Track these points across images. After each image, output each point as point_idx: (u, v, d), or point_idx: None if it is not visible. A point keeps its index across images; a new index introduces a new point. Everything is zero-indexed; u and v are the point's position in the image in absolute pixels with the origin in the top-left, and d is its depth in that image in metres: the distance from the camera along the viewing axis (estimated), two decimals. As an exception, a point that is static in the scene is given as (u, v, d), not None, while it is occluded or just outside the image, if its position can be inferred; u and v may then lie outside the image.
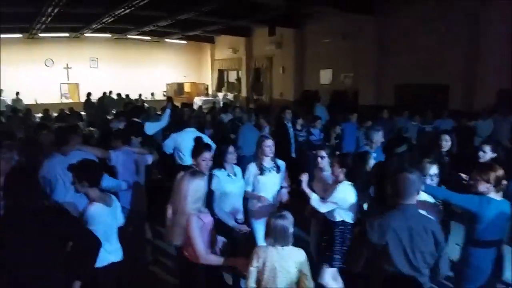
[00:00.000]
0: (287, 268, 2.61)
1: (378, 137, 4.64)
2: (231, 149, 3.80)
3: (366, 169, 3.95)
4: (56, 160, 3.77)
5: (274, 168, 3.99)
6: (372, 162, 3.98)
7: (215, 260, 2.88)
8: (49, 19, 12.65)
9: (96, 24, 14.42)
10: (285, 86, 16.34)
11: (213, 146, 4.09)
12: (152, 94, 20.46)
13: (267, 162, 3.99)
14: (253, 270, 2.67)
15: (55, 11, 11.55)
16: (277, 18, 14.28)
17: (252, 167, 3.98)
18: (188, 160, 4.82)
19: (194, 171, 3.06)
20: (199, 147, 3.68)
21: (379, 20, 11.88)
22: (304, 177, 3.56)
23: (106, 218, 2.96)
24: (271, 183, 3.97)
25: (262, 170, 3.94)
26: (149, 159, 4.65)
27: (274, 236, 2.64)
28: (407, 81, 11.32)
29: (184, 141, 5.13)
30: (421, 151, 4.48)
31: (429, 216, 2.69)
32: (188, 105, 12.01)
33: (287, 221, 2.70)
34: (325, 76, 14.62)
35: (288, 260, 2.63)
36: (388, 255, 2.38)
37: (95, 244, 2.70)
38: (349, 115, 7.78)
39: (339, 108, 10.79)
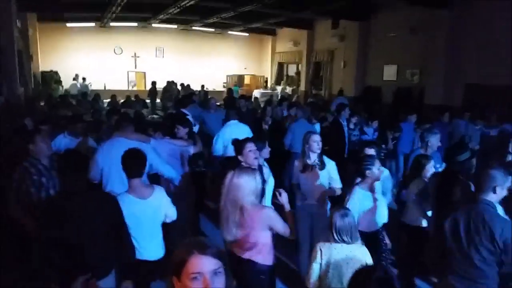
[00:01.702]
0: (353, 266, 2.50)
1: (434, 140, 4.37)
2: (249, 145, 3.54)
3: (424, 173, 3.75)
4: (108, 146, 3.87)
5: (318, 165, 3.85)
6: (431, 167, 3.73)
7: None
8: (119, 8, 13.29)
9: (163, 14, 14.92)
10: (346, 81, 15.82)
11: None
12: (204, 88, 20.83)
13: (312, 158, 3.88)
14: (315, 267, 2.64)
15: (125, 0, 12.12)
16: (341, 10, 13.81)
17: (296, 163, 3.98)
18: (229, 151, 4.86)
19: (241, 168, 3.01)
20: (239, 141, 3.63)
21: (452, 14, 11.02)
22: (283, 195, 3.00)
23: (134, 211, 2.84)
24: (312, 180, 3.86)
25: (304, 167, 3.87)
26: (191, 150, 4.61)
27: (340, 233, 2.62)
28: (479, 80, 10.43)
29: (226, 133, 5.25)
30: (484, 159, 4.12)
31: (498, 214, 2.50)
32: (246, 97, 12.05)
33: (352, 217, 2.70)
34: (389, 72, 13.92)
35: (354, 258, 2.57)
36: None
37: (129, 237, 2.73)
38: (409, 114, 7.32)
39: (403, 107, 10.20)
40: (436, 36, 11.55)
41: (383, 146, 6.36)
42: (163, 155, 4.15)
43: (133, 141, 3.75)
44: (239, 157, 3.56)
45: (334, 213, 2.69)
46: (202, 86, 17.60)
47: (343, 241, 2.61)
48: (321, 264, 2.61)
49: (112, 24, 17.54)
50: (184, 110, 6.68)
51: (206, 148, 5.63)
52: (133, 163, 2.92)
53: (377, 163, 3.48)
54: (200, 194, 5.04)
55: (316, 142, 3.84)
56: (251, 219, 2.75)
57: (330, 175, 3.90)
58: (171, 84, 16.52)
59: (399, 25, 13.06)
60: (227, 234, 2.84)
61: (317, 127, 6.47)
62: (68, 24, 17.76)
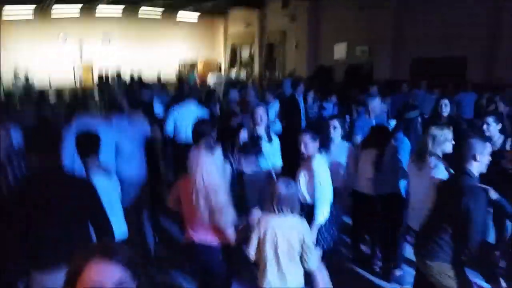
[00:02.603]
0: (288, 238, 2.48)
1: (375, 104, 4.83)
2: None
3: None
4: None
5: (266, 138, 3.88)
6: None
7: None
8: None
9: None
10: (299, 62, 15.98)
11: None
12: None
13: (258, 131, 3.89)
14: (253, 238, 2.57)
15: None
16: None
17: (243, 134, 3.93)
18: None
19: (207, 143, 2.82)
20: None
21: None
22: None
23: (105, 189, 2.80)
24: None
25: (251, 138, 3.86)
26: (148, 130, 4.44)
27: (280, 203, 2.51)
28: (425, 54, 10.90)
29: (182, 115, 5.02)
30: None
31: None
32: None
33: (294, 188, 2.61)
34: (340, 50, 14.21)
35: (291, 230, 2.49)
36: None
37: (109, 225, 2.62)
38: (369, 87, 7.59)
39: (354, 84, 10.48)
40: (382, 13, 11.89)
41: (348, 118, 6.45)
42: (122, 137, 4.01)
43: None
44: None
45: (278, 182, 2.60)
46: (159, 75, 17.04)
47: (282, 212, 2.51)
48: (259, 235, 2.55)
49: (55, 11, 16.38)
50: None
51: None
52: (90, 142, 2.89)
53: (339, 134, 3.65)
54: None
55: (259, 115, 3.85)
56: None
57: (274, 150, 3.93)
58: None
59: (347, 3, 13.30)
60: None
61: (276, 104, 6.46)
62: (5, 18, 16.44)
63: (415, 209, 3.15)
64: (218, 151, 2.82)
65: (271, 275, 2.51)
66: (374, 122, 4.63)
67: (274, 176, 3.70)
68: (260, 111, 3.90)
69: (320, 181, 3.13)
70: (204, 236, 2.73)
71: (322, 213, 3.13)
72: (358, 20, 12.99)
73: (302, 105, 6.63)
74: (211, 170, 2.62)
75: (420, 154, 3.08)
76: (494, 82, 8.80)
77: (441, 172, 2.92)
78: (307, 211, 3.09)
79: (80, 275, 1.00)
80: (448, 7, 10.08)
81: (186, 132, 4.87)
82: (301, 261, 2.52)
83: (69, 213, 2.36)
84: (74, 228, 2.41)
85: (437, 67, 10.33)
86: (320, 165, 3.19)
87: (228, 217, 2.63)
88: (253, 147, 3.54)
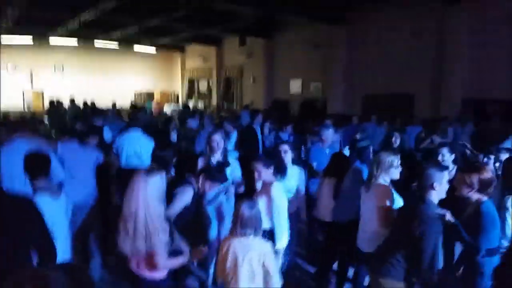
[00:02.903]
0: (250, 259, 2.47)
1: (328, 134, 4.98)
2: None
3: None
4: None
5: (222, 163, 3.86)
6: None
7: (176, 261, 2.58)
8: (10, 23, 12.22)
9: (62, 28, 14.03)
10: (256, 95, 16.40)
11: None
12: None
13: (216, 157, 3.91)
14: (219, 260, 2.58)
15: (16, 14, 11.18)
16: (248, 27, 14.39)
17: (200, 162, 3.92)
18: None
19: (150, 168, 2.61)
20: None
21: (349, 30, 12.13)
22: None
23: (53, 211, 2.68)
24: None
25: (207, 166, 3.77)
26: (100, 157, 4.35)
27: (243, 225, 2.51)
28: (375, 91, 11.58)
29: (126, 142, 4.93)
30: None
31: None
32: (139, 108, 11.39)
33: (257, 210, 2.61)
34: (295, 85, 14.77)
35: (252, 251, 2.49)
36: None
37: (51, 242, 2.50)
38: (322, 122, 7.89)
39: (309, 117, 10.88)
40: (335, 51, 12.58)
41: (302, 147, 6.64)
42: (70, 161, 3.90)
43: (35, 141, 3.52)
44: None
45: (242, 204, 2.60)
46: (113, 104, 16.77)
47: (245, 234, 2.53)
48: (221, 256, 2.56)
49: (3, 39, 15.94)
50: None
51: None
52: (37, 163, 2.76)
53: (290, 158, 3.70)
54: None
55: (216, 141, 3.86)
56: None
57: (233, 172, 3.94)
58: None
59: (303, 41, 13.99)
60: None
61: (234, 134, 6.56)
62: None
63: (365, 231, 3.28)
64: (158, 176, 2.53)
65: None
66: (327, 151, 4.84)
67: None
68: (217, 138, 3.90)
69: (278, 209, 3.18)
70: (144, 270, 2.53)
71: (282, 239, 3.17)
72: (312, 57, 13.64)
73: (259, 135, 6.79)
74: (145, 194, 2.40)
75: (368, 179, 3.24)
76: (440, 117, 9.49)
77: (387, 197, 3.08)
78: (267, 236, 3.11)
79: None
80: (395, 46, 10.88)
81: (129, 158, 4.83)
82: (264, 283, 2.51)
83: (10, 236, 2.23)
84: (16, 253, 2.28)
85: (387, 103, 10.99)
86: (278, 193, 3.24)
87: (159, 240, 2.41)
88: (218, 172, 3.55)
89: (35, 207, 2.39)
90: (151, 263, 2.45)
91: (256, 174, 3.30)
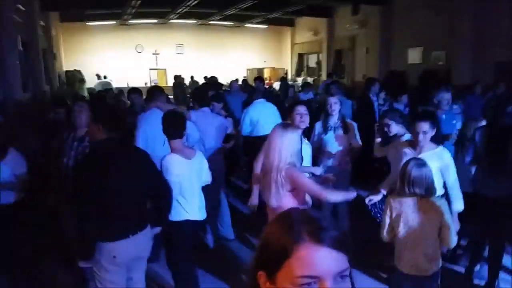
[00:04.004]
0: (425, 220, 2.47)
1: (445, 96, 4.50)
2: (298, 108, 3.59)
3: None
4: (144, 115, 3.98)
5: (340, 128, 4.02)
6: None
7: (336, 195, 2.75)
8: (138, 3, 13.38)
9: (182, 8, 14.94)
10: (369, 67, 15.48)
11: None
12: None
13: (332, 121, 4.05)
14: (386, 219, 2.63)
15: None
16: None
17: (318, 126, 4.12)
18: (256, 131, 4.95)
19: (285, 124, 2.91)
20: (290, 104, 3.66)
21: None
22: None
23: (182, 171, 2.90)
24: (335, 143, 4.02)
25: (325, 129, 4.04)
26: (229, 126, 4.61)
27: (413, 184, 2.47)
28: (509, 57, 9.99)
29: (253, 112, 5.25)
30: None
31: None
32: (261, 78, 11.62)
33: (429, 169, 2.53)
34: (414, 55, 13.55)
35: (428, 212, 2.47)
36: None
37: (168, 193, 2.69)
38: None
39: (430, 89, 9.85)
40: (460, 16, 11.14)
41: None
42: (202, 126, 4.17)
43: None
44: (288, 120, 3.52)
45: (410, 162, 2.54)
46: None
47: (415, 194, 2.48)
48: (391, 217, 2.61)
49: (132, 21, 17.72)
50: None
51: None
52: (173, 124, 2.94)
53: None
54: (229, 172, 5.02)
55: (330, 104, 4.03)
56: (292, 182, 2.60)
57: (351, 137, 4.07)
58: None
59: (421, 6, 12.67)
60: (272, 198, 2.66)
61: (349, 102, 6.38)
62: (89, 23, 18.02)
63: None
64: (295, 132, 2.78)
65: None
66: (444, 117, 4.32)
67: None
68: (332, 101, 4.06)
69: (450, 172, 3.05)
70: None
71: (457, 202, 3.05)
72: (433, 23, 12.29)
73: (376, 104, 6.38)
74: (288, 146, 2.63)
75: None
76: None
77: None
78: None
79: (286, 260, 0.77)
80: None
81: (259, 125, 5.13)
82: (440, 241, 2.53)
83: (132, 183, 2.47)
84: (138, 198, 2.53)
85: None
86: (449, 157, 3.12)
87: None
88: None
89: (147, 155, 2.68)
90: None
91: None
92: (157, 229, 2.75)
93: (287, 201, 2.57)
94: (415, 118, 3.14)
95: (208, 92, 5.27)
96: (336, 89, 6.28)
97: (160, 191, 2.67)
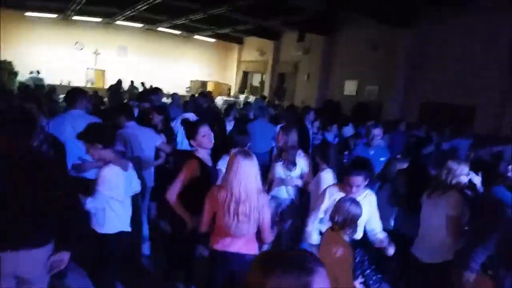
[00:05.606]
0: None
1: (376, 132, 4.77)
2: (203, 130, 3.31)
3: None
4: (63, 120, 3.86)
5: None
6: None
7: None
8: (84, 0, 12.83)
9: (129, 10, 14.54)
10: (308, 93, 16.12)
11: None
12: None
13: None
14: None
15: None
16: (308, 22, 14.15)
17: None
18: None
19: (240, 151, 2.72)
20: (192, 126, 3.38)
21: (412, 34, 11.58)
22: None
23: (121, 183, 2.87)
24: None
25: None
26: (159, 139, 4.47)
27: (342, 221, 2.52)
28: (434, 99, 10.98)
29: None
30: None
31: None
32: (205, 94, 11.66)
33: (360, 210, 2.58)
34: (350, 87, 14.35)
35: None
36: None
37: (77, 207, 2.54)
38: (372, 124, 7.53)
39: (362, 120, 10.49)
40: (395, 54, 12.05)
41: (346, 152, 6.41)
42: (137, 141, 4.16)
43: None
44: (191, 142, 3.31)
45: (342, 201, 2.64)
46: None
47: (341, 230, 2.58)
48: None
49: (74, 18, 16.88)
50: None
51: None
52: (108, 132, 2.95)
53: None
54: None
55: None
56: (254, 207, 2.61)
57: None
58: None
59: (361, 41, 13.53)
60: (238, 228, 2.64)
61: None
62: (28, 14, 16.84)
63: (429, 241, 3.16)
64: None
65: None
66: (371, 153, 4.62)
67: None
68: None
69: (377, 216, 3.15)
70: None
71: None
72: (370, 58, 13.16)
73: (310, 132, 6.64)
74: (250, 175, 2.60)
75: (434, 188, 3.09)
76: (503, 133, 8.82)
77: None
78: None
79: None
80: (462, 55, 10.22)
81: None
82: None
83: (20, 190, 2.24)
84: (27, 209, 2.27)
85: (446, 113, 10.36)
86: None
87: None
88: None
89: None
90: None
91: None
92: (64, 255, 2.37)
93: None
94: (348, 169, 3.01)
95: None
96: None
97: (68, 204, 2.40)
